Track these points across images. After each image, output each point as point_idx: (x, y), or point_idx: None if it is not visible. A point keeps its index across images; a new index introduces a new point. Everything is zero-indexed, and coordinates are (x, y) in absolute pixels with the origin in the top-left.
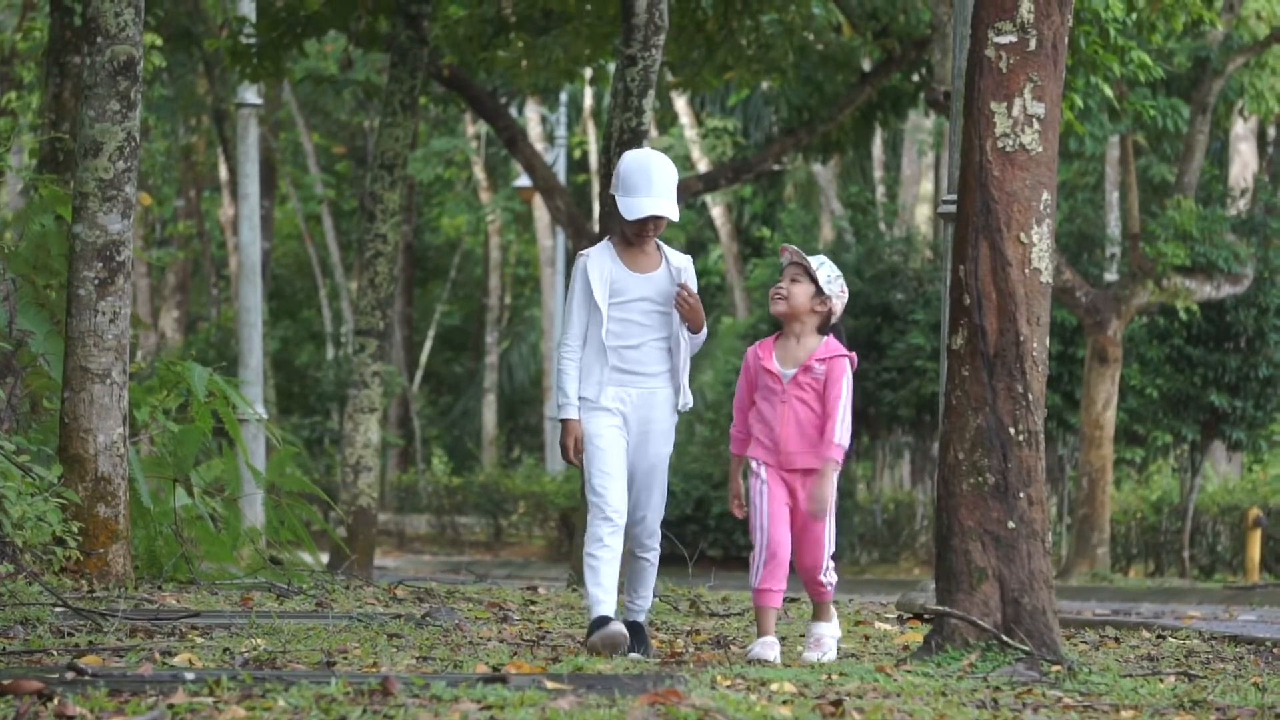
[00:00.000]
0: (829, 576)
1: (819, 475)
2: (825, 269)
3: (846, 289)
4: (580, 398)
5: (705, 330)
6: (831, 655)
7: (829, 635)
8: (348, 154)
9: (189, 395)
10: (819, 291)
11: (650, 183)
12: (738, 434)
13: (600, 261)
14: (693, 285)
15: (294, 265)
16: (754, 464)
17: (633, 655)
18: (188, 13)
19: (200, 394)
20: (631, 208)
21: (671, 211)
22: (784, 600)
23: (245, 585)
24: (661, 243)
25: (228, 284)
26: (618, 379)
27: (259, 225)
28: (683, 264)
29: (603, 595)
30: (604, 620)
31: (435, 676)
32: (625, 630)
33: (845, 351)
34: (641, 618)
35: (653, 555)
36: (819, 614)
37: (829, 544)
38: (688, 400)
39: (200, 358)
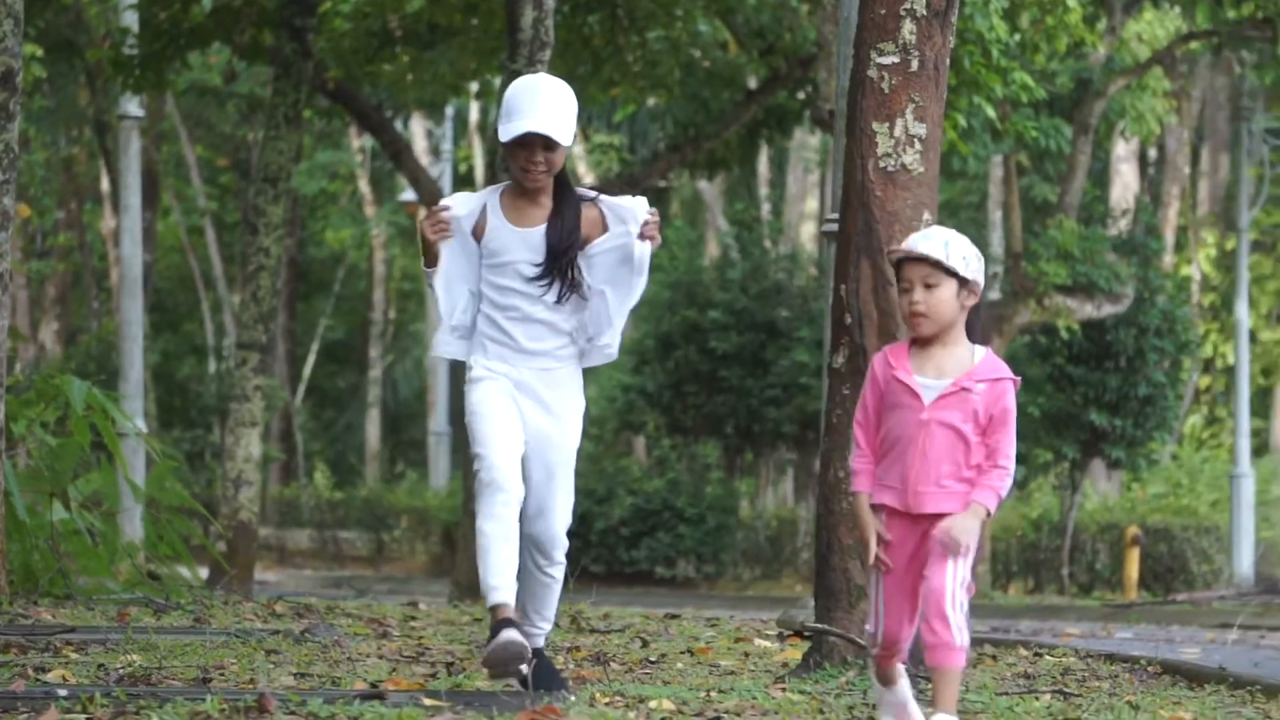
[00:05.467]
0: (957, 622)
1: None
2: (957, 248)
3: (982, 257)
4: (468, 367)
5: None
6: None
7: None
8: (231, 166)
9: (67, 408)
10: (963, 283)
11: (536, 105)
12: (864, 466)
13: (470, 205)
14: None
15: (176, 278)
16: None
17: (542, 693)
18: (69, 23)
19: (79, 407)
20: (508, 129)
21: (561, 133)
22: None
23: (122, 600)
24: (583, 191)
25: (109, 296)
26: (499, 354)
27: (141, 237)
28: (628, 209)
29: (496, 581)
30: (501, 624)
31: (312, 693)
32: (522, 640)
33: (1009, 372)
34: (541, 642)
35: (557, 571)
36: (938, 695)
37: (952, 592)
38: (609, 348)
39: (80, 370)
